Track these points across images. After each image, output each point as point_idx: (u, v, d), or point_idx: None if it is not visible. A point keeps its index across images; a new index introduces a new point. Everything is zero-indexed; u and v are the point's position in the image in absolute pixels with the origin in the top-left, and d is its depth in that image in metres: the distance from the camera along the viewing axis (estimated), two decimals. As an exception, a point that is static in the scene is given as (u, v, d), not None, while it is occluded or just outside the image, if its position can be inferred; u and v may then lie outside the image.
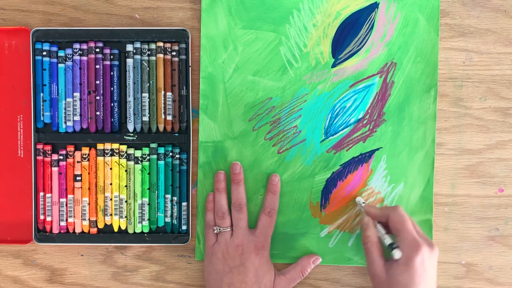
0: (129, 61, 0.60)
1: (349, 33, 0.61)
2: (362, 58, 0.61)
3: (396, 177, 0.61)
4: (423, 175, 0.60)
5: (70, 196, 0.61)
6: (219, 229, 0.59)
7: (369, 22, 0.61)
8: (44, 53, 0.60)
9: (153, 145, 0.60)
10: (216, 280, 0.57)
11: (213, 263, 0.58)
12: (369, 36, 0.61)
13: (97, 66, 0.60)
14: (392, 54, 0.61)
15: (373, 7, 0.60)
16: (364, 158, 0.61)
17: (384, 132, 0.61)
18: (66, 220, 0.61)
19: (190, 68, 0.60)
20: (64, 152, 0.60)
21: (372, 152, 0.61)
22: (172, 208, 0.61)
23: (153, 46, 0.60)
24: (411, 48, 0.60)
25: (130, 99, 0.60)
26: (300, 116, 0.61)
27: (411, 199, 0.61)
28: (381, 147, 0.61)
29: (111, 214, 0.61)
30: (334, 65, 0.61)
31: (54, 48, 0.60)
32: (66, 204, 0.61)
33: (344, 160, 0.61)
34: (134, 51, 0.60)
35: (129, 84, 0.60)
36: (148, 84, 0.60)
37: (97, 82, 0.60)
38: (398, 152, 0.61)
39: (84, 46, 0.60)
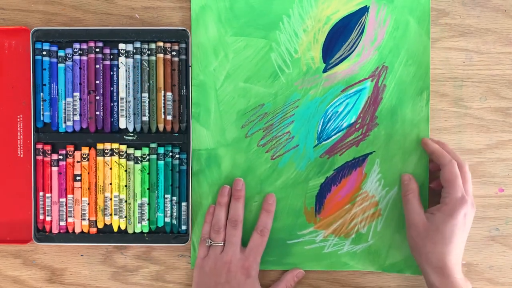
0: (129, 61, 0.60)
1: (340, 38, 0.60)
2: (353, 63, 0.60)
3: (390, 180, 0.61)
4: (417, 179, 0.60)
5: (69, 196, 0.61)
6: (211, 242, 0.58)
7: (360, 26, 0.60)
8: (44, 53, 0.60)
9: (153, 145, 0.60)
10: None
11: (200, 277, 0.58)
12: (360, 41, 0.60)
13: (97, 66, 0.60)
14: (383, 57, 0.60)
15: (363, 11, 0.60)
16: (358, 162, 0.61)
17: (377, 136, 0.61)
18: (66, 220, 0.61)
19: (190, 68, 0.60)
20: (64, 152, 0.60)
21: (365, 156, 0.61)
22: (172, 208, 0.61)
23: (153, 46, 0.60)
24: (402, 51, 0.60)
25: (130, 99, 0.60)
26: (292, 121, 0.61)
27: (408, 201, 0.60)
28: (374, 151, 0.61)
29: (110, 214, 0.61)
30: (325, 70, 0.61)
31: (54, 48, 0.60)
32: (66, 204, 0.61)
33: (337, 165, 0.61)
34: (134, 51, 0.60)
35: (129, 84, 0.60)
36: (148, 84, 0.60)
37: (97, 82, 0.60)
38: (391, 156, 0.60)
39: (84, 46, 0.60)
